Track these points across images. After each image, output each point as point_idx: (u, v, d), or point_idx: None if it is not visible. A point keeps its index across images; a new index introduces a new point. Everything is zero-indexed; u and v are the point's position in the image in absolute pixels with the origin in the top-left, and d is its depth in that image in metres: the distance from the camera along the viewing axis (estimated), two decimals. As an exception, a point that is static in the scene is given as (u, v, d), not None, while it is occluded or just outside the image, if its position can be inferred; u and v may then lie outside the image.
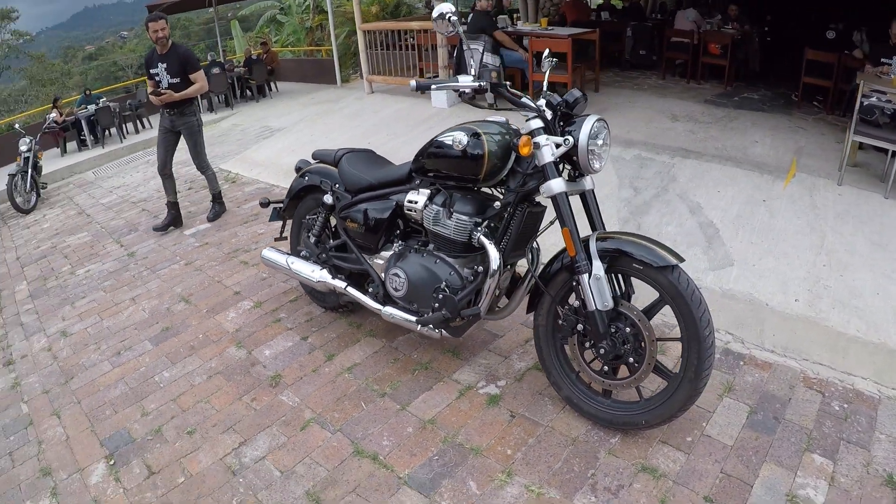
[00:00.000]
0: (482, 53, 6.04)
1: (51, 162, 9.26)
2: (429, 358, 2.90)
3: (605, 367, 2.23)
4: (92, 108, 9.87)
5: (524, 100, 2.24)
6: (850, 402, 2.42)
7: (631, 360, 2.15)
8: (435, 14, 2.23)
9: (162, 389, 3.01)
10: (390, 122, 7.18)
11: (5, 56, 26.93)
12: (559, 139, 2.13)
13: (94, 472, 2.51)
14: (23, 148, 7.38)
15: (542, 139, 2.14)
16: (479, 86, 2.20)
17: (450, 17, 2.20)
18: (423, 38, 7.08)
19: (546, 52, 2.64)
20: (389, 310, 2.71)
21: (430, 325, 2.49)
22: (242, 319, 3.56)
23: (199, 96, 12.03)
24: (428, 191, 2.54)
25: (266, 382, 2.92)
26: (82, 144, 10.12)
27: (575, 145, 2.11)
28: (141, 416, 2.83)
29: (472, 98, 2.29)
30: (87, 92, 11.37)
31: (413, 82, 2.27)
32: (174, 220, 5.35)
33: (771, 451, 2.19)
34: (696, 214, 4.04)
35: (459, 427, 2.40)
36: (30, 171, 7.22)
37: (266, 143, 7.91)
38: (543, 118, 2.20)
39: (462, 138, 2.26)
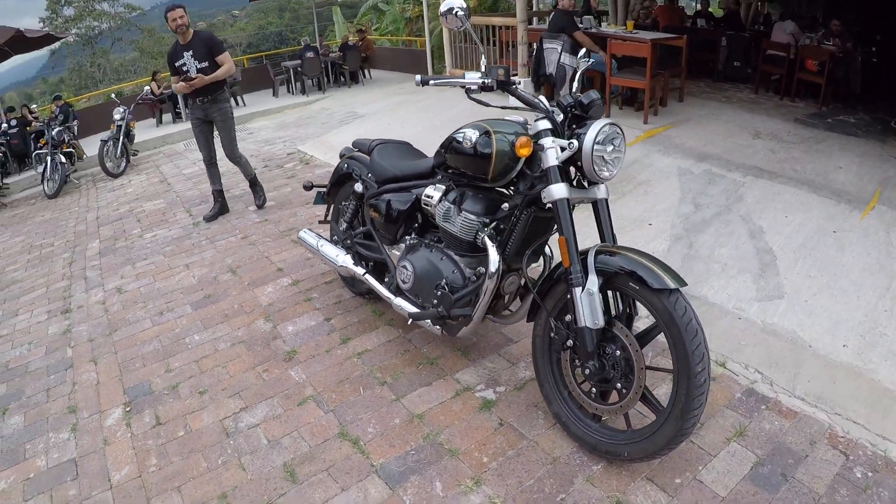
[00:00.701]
0: (560, 53, 5.92)
1: (146, 131, 10.03)
2: (437, 354, 2.88)
3: (593, 389, 2.11)
4: (190, 84, 10.54)
5: (535, 99, 2.16)
6: (877, 470, 2.10)
7: (619, 385, 2.02)
8: (442, 9, 2.19)
9: (189, 351, 3.19)
10: (462, 118, 7.12)
11: (118, 28, 29.10)
12: (565, 142, 2.04)
13: (111, 416, 2.71)
14: (116, 116, 8.03)
15: (547, 141, 2.04)
16: (484, 83, 2.14)
17: (457, 13, 2.16)
18: (505, 35, 7.02)
19: (582, 51, 2.53)
20: (399, 301, 2.72)
21: (428, 321, 2.48)
22: (277, 295, 3.70)
23: (275, 81, 12.53)
24: (444, 186, 2.53)
25: (281, 356, 3.03)
26: (177, 117, 10.86)
27: (580, 149, 2.00)
28: (164, 371, 3.02)
29: (479, 94, 2.23)
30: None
31: (418, 77, 2.25)
32: (222, 207, 5.37)
33: (767, 511, 1.94)
34: (756, 239, 3.77)
35: (445, 427, 2.37)
36: (121, 138, 7.84)
37: (346, 129, 8.16)
38: (552, 119, 2.09)
39: (472, 136, 2.22)
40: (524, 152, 2.05)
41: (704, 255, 3.63)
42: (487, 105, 2.27)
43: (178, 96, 10.62)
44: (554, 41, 5.87)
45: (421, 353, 2.91)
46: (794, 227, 3.85)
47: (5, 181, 8.43)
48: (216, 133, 5.13)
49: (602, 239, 2.14)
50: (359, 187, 3.07)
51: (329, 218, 3.67)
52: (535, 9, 9.78)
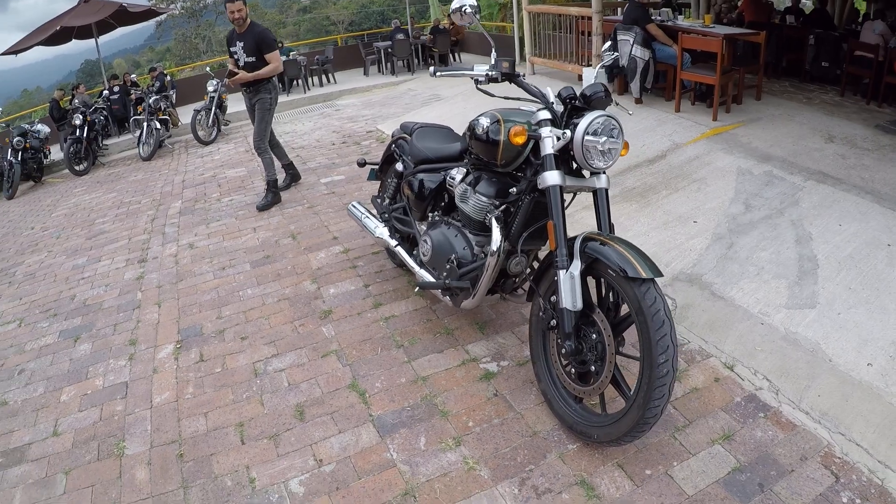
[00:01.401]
0: (632, 45, 5.85)
1: (240, 103, 10.72)
2: (456, 325, 3.06)
3: (573, 370, 2.20)
4: (283, 59, 11.17)
5: (538, 91, 2.26)
6: (867, 498, 1.97)
7: (593, 368, 2.10)
8: (453, 6, 2.32)
9: (240, 302, 3.56)
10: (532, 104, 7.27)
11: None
12: (560, 132, 2.13)
13: (164, 350, 3.12)
14: (209, 88, 8.71)
15: (545, 131, 2.14)
16: (488, 75, 2.27)
17: (465, 10, 2.29)
18: (582, 25, 6.98)
19: (606, 45, 2.59)
20: (422, 272, 2.93)
21: (439, 291, 2.66)
22: (328, 260, 4.01)
23: (366, 62, 12.88)
24: (465, 169, 2.69)
25: (318, 314, 3.33)
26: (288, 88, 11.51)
27: (572, 139, 2.10)
28: (216, 318, 3.41)
29: (486, 85, 2.36)
30: (281, 44, 12.87)
31: (431, 69, 2.41)
32: (293, 178, 5.65)
33: (730, 520, 1.91)
34: (801, 245, 3.65)
35: (444, 390, 2.56)
36: (213, 108, 8.51)
37: (425, 110, 8.42)
38: (551, 110, 2.20)
39: (485, 123, 2.36)
40: (518, 140, 2.16)
41: (742, 257, 3.57)
42: (492, 96, 2.39)
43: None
44: (627, 33, 5.80)
45: (441, 324, 3.10)
46: (846, 236, 3.68)
47: (105, 143, 9.36)
48: (271, 117, 5.30)
49: (599, 226, 2.23)
50: (399, 166, 3.29)
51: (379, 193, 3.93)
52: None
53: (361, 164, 3.87)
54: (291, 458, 2.28)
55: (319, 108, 10.27)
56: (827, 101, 6.18)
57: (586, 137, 2.06)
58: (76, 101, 9.67)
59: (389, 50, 12.39)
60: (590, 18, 6.49)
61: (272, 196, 5.27)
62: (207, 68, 11.73)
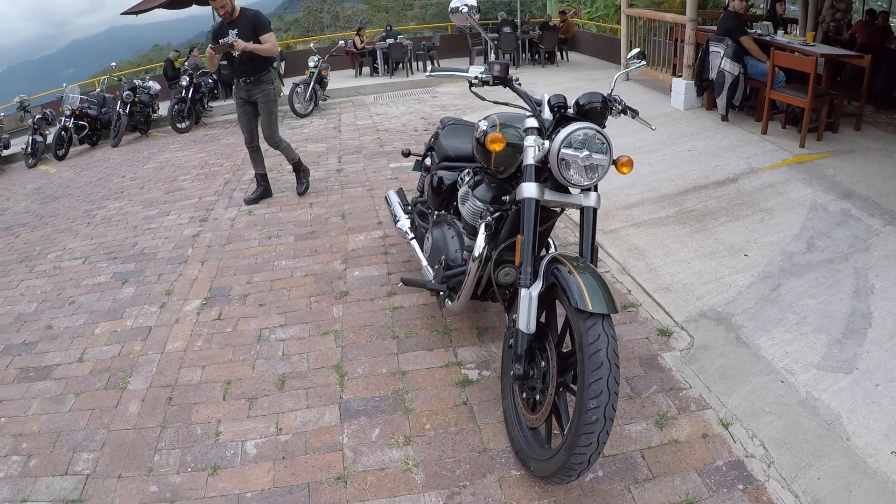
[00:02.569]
0: (721, 58, 5.48)
1: (344, 80, 11.21)
2: (456, 327, 3.07)
3: (524, 395, 2.11)
4: (389, 41, 11.52)
5: (529, 96, 2.20)
6: None
7: (538, 397, 2.01)
8: (451, 6, 2.29)
9: (272, 272, 3.79)
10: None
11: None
12: (541, 142, 2.03)
13: (191, 304, 3.41)
14: (310, 64, 9.16)
15: (529, 140, 2.06)
16: (477, 77, 2.23)
17: (461, 10, 2.24)
18: (677, 33, 6.62)
19: (634, 51, 2.46)
20: (427, 268, 2.97)
21: (433, 291, 2.68)
22: (364, 243, 4.15)
23: (472, 52, 12.85)
24: (473, 171, 2.68)
25: (334, 294, 3.47)
26: (374, 72, 11.96)
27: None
28: (245, 283, 3.66)
29: (479, 88, 2.32)
30: (389, 27, 13.24)
31: (429, 69, 2.40)
32: (264, 191, 5.23)
33: None
34: (859, 298, 3.28)
35: (417, 388, 2.59)
36: (311, 83, 8.94)
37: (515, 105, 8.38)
38: (539, 118, 2.10)
39: (483, 126, 2.34)
40: (494, 147, 2.09)
41: (786, 302, 3.27)
42: (483, 99, 2.36)
43: (378, 52, 11.64)
44: (719, 45, 5.44)
45: (443, 322, 3.13)
46: (918, 296, 3.27)
47: (211, 104, 10.13)
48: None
49: (580, 247, 2.12)
50: (428, 161, 3.34)
51: None
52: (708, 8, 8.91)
53: (406, 155, 3.94)
54: (257, 421, 2.44)
55: (418, 93, 10.48)
56: (945, 141, 5.46)
57: (562, 150, 1.96)
58: (187, 63, 10.55)
59: (496, 42, 12.36)
60: (684, 26, 6.14)
61: (304, 175, 5.29)
62: (312, 44, 12.32)
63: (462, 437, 2.31)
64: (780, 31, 5.90)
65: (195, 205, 5.23)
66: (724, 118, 5.77)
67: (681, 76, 6.50)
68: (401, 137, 7.18)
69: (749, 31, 5.50)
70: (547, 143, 2.02)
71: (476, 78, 2.25)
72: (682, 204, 4.41)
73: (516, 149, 2.20)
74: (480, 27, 2.45)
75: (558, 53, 12.85)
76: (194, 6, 11.95)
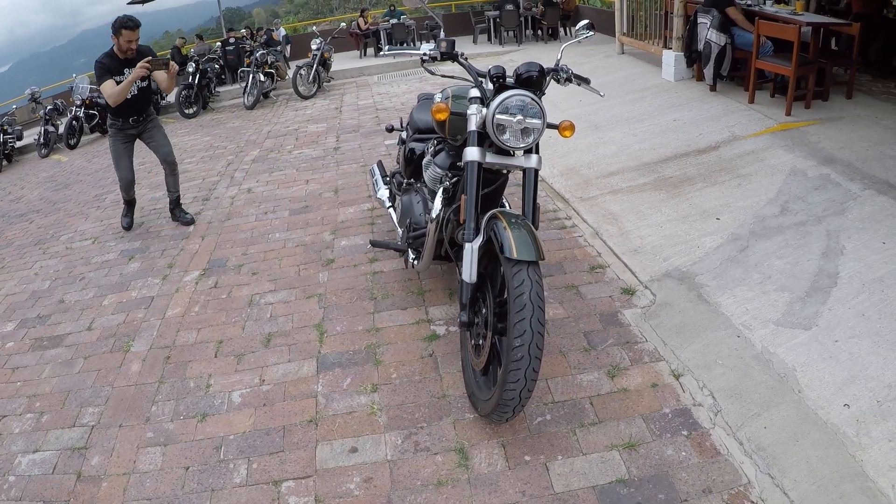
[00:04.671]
0: (708, 29, 5.53)
1: (348, 61, 11.36)
2: (430, 288, 3.27)
3: (472, 341, 2.31)
4: (392, 22, 11.62)
5: (473, 70, 2.36)
6: None
7: (481, 342, 2.21)
8: None
9: (266, 244, 4.03)
10: (612, 85, 7.07)
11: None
12: (481, 109, 2.20)
13: (190, 275, 3.67)
14: (313, 46, 9.33)
15: (472, 108, 2.23)
16: (427, 54, 2.39)
17: None
18: (668, 5, 6.65)
19: (582, 23, 2.60)
20: (399, 231, 3.17)
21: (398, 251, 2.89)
22: (353, 216, 4.37)
23: (475, 30, 12.79)
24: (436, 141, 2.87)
25: (321, 262, 3.69)
26: (378, 52, 12.07)
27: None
28: (241, 254, 3.90)
29: (430, 64, 2.48)
30: (392, 7, 13.30)
31: (386, 47, 2.57)
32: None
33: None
34: (827, 259, 3.38)
35: (388, 343, 2.81)
36: (315, 65, 9.13)
37: (513, 82, 8.47)
38: (481, 89, 2.27)
39: (438, 98, 2.52)
40: (440, 116, 2.28)
41: (751, 262, 3.40)
42: (434, 74, 2.53)
43: (382, 32, 11.76)
44: (706, 16, 5.48)
45: (419, 284, 3.33)
46: (886, 256, 3.32)
47: (218, 90, 10.39)
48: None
49: (522, 205, 2.29)
50: (403, 134, 3.53)
51: None
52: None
53: (390, 130, 4.12)
54: (244, 374, 2.69)
55: (420, 72, 10.57)
56: (940, 106, 5.45)
57: (497, 115, 2.12)
58: (194, 50, 10.81)
59: (497, 20, 12.38)
60: (671, -1, 6.18)
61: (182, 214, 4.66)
62: (314, 27, 12.48)
63: (424, 385, 2.52)
64: (770, 1, 5.89)
65: (199, 185, 5.49)
66: (713, 89, 5.82)
67: (671, 48, 6.54)
68: (399, 115, 7.31)
69: (738, 0, 5.52)
70: (485, 109, 2.18)
71: (426, 54, 2.41)
72: (662, 171, 4.53)
73: (464, 117, 2.35)
74: (431, 9, 2.60)
75: (561, 29, 12.81)
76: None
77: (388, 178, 3.68)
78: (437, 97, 2.56)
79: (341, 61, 11.23)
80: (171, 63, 4.11)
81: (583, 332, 2.80)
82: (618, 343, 2.73)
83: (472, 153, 2.21)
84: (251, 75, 9.01)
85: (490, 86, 2.28)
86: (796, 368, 2.50)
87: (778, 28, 4.78)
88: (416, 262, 2.86)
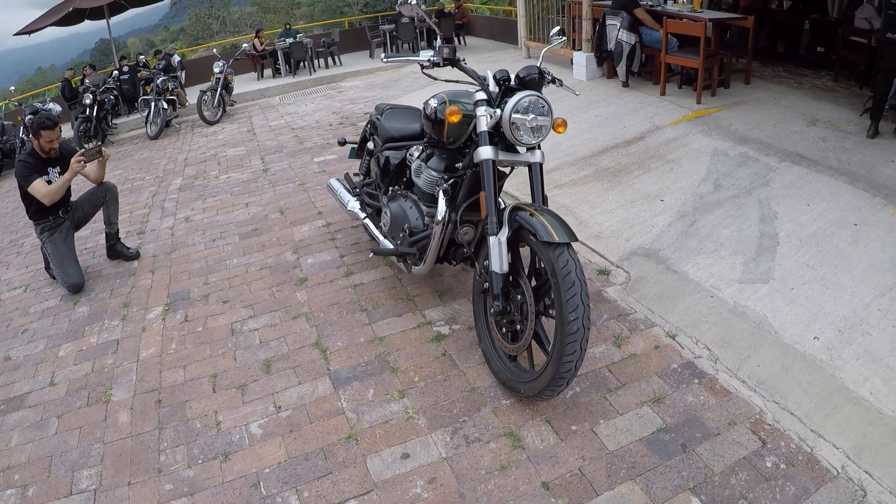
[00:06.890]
0: (618, 30, 5.95)
1: (247, 84, 10.97)
2: (418, 293, 3.27)
3: (504, 329, 2.38)
4: (289, 41, 11.39)
5: (476, 74, 2.45)
6: (793, 464, 2.00)
7: (518, 327, 2.30)
8: None
9: (226, 270, 3.82)
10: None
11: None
12: (493, 111, 2.30)
13: (153, 312, 3.39)
14: (215, 70, 8.95)
15: (480, 110, 2.33)
16: (431, 60, 2.45)
17: (410, 1, 2.46)
18: (575, 10, 7.09)
19: (555, 29, 2.76)
20: (384, 241, 3.14)
21: (394, 258, 2.87)
22: (310, 233, 4.25)
23: (371, 44, 12.87)
24: (422, 147, 2.89)
25: (294, 281, 3.56)
26: (276, 73, 11.80)
27: (501, 117, 2.26)
28: (203, 284, 3.67)
29: (431, 70, 2.54)
30: (287, 26, 13.08)
31: (383, 56, 2.61)
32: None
33: (647, 474, 2.01)
34: (765, 223, 3.78)
35: (397, 349, 2.79)
36: (219, 89, 8.75)
37: (423, 92, 8.55)
38: (487, 91, 2.38)
39: (433, 103, 2.57)
40: (453, 119, 2.34)
41: (703, 234, 3.72)
42: (436, 79, 2.58)
43: (279, 52, 11.48)
44: (615, 18, 5.90)
45: (405, 291, 3.32)
46: (813, 216, 3.77)
47: (115, 122, 9.69)
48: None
49: (532, 197, 2.42)
50: (371, 145, 3.50)
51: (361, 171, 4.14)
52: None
53: (342, 143, 4.09)
54: (254, 405, 2.54)
55: (323, 89, 10.46)
56: (818, 86, 6.22)
57: (513, 115, 2.25)
58: (87, 81, 10.00)
59: (394, 33, 12.52)
60: (579, 3, 6.59)
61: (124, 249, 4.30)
62: (214, 50, 11.99)
63: (450, 382, 2.54)
64: (670, 1, 6.46)
65: (128, 220, 5.07)
66: (625, 84, 6.27)
67: (580, 50, 6.96)
68: (318, 133, 7.23)
69: (641, 3, 6.00)
70: (498, 111, 2.29)
71: (428, 61, 2.46)
72: (598, 164, 4.81)
73: (465, 120, 2.45)
74: (426, 14, 2.65)
75: (456, 39, 13.18)
76: (86, 21, 11.31)
77: (357, 190, 3.63)
78: (433, 102, 2.61)
79: (240, 84, 10.83)
80: (104, 150, 3.98)
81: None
82: (612, 317, 2.95)
83: (486, 152, 2.31)
84: (153, 103, 8.45)
85: (494, 88, 2.37)
86: (767, 315, 2.89)
87: (687, 26, 5.26)
88: (416, 266, 2.86)
